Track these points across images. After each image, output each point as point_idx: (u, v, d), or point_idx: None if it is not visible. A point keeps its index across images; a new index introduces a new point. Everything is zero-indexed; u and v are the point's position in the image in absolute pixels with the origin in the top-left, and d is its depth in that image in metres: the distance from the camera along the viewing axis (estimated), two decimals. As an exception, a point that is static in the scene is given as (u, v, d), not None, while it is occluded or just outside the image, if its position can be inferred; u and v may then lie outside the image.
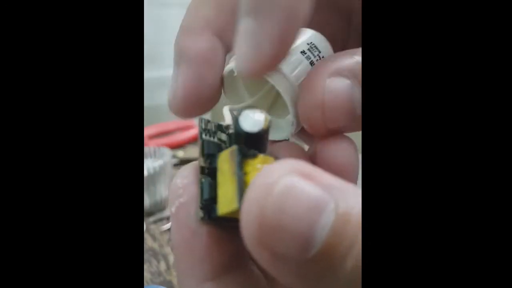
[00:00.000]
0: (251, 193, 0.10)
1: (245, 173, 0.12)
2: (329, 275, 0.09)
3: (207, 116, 0.15)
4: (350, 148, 0.14)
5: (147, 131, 0.70)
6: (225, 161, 0.12)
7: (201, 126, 0.14)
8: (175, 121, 0.75)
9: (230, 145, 0.14)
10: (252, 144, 0.13)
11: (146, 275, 0.37)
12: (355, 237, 0.09)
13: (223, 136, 0.14)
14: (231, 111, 0.14)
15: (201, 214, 0.13)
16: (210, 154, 0.13)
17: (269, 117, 0.13)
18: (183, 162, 0.62)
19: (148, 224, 0.45)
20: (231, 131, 0.14)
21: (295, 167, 0.10)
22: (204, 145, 0.14)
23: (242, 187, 0.11)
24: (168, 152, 0.52)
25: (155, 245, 0.42)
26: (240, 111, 0.13)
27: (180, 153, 0.62)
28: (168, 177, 0.50)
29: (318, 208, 0.09)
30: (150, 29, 0.80)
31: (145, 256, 0.40)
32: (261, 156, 0.12)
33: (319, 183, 0.10)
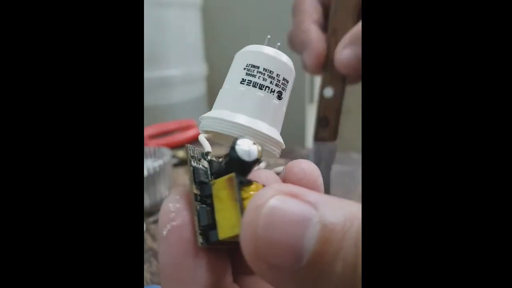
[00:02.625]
0: (245, 216, 0.11)
1: (242, 199, 0.13)
2: (323, 280, 0.10)
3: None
4: (311, 169, 0.16)
5: (147, 131, 0.70)
6: (222, 188, 0.13)
7: (189, 154, 0.15)
8: (175, 121, 0.75)
9: (211, 171, 0.15)
10: (245, 171, 0.14)
11: (146, 275, 0.37)
12: (341, 243, 0.10)
13: (205, 163, 0.15)
14: (233, 144, 0.15)
15: (200, 240, 0.13)
16: (201, 181, 0.14)
17: (260, 148, 0.14)
18: (183, 162, 0.62)
19: (148, 224, 0.45)
20: (210, 158, 0.16)
21: (282, 189, 0.11)
22: (194, 173, 0.14)
23: (242, 212, 0.12)
24: (168, 152, 0.52)
25: (155, 245, 0.42)
26: (235, 141, 0.14)
27: (180, 153, 0.62)
28: (168, 177, 0.50)
29: (303, 222, 0.10)
30: (150, 29, 0.80)
31: (145, 256, 0.40)
32: (255, 183, 0.14)
33: (304, 200, 0.11)
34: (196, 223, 0.14)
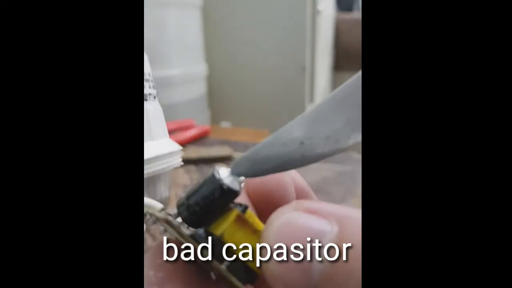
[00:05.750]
0: (260, 237, 0.11)
1: (253, 226, 0.12)
2: None
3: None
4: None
5: (147, 131, 0.70)
6: (235, 232, 0.12)
7: (174, 224, 0.12)
8: (175, 121, 0.75)
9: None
10: (232, 200, 0.12)
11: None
12: (354, 264, 0.10)
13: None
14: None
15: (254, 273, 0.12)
16: (207, 246, 0.12)
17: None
18: (183, 162, 0.62)
19: (148, 224, 0.45)
20: (165, 213, 0.13)
21: (299, 205, 0.11)
22: (198, 240, 0.12)
23: None
24: (168, 152, 0.52)
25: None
26: (213, 176, 0.12)
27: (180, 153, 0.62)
28: (168, 177, 0.50)
29: (315, 239, 0.10)
30: (150, 29, 0.80)
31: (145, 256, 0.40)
32: (242, 204, 0.13)
33: (320, 215, 0.10)
34: (237, 283, 0.12)
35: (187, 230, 0.12)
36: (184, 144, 0.73)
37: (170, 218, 0.12)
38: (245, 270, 0.12)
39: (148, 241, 0.42)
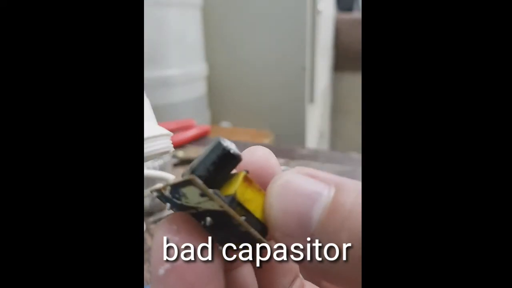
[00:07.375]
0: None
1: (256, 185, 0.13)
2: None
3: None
4: (263, 155, 0.15)
5: (147, 131, 0.70)
6: (244, 190, 0.13)
7: (201, 184, 0.12)
8: (175, 121, 0.75)
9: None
10: (237, 165, 0.13)
11: (146, 275, 0.37)
12: (348, 214, 0.11)
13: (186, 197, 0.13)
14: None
15: (266, 244, 0.13)
16: (231, 200, 0.13)
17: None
18: (183, 162, 0.62)
19: (148, 224, 0.45)
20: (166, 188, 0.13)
21: (301, 170, 0.12)
22: (219, 196, 0.12)
23: None
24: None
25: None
26: (220, 144, 0.13)
27: (180, 153, 0.62)
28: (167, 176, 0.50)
29: (313, 195, 0.11)
30: (150, 29, 0.80)
31: (145, 256, 0.40)
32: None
33: (319, 178, 0.12)
34: (254, 232, 0.13)
35: (215, 195, 0.13)
36: (184, 144, 0.73)
37: (194, 176, 0.12)
38: (258, 223, 0.13)
39: (148, 241, 0.42)
